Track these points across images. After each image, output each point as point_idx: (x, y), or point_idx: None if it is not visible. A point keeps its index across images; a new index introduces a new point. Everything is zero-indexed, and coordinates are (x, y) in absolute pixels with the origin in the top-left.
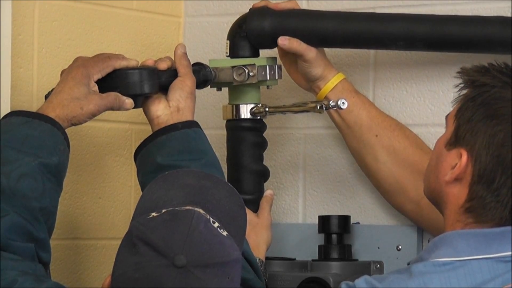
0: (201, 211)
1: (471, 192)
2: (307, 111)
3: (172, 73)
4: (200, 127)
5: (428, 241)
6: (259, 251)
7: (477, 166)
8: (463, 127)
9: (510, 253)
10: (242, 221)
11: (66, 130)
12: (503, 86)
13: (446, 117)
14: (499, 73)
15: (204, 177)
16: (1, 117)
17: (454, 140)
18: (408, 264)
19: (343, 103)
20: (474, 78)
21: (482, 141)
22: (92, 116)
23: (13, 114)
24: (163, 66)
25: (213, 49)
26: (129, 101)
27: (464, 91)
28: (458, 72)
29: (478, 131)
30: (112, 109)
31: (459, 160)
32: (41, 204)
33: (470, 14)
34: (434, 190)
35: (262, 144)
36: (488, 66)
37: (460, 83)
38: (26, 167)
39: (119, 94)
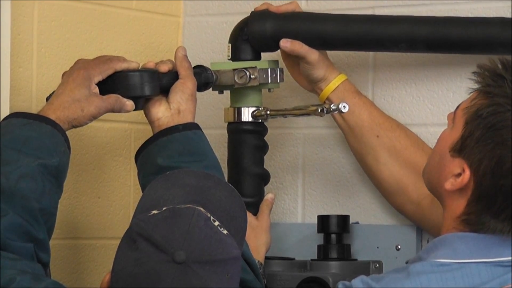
0: (202, 209)
1: (469, 207)
2: (308, 114)
3: (173, 75)
4: (201, 129)
5: (428, 241)
6: (258, 254)
7: (479, 188)
8: (471, 144)
9: (509, 258)
10: (242, 221)
11: (66, 132)
12: None
13: (457, 108)
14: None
15: (205, 177)
16: (1, 118)
17: (459, 149)
18: (407, 262)
19: (344, 106)
20: (491, 90)
21: (487, 166)
22: (93, 118)
23: (13, 115)
24: (164, 68)
25: (212, 49)
26: (129, 103)
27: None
28: (475, 73)
29: (485, 155)
30: (112, 111)
31: (462, 172)
32: (41, 205)
33: (470, 14)
34: (435, 189)
35: (263, 147)
36: (504, 74)
37: (477, 89)
38: (26, 168)
39: (120, 96)
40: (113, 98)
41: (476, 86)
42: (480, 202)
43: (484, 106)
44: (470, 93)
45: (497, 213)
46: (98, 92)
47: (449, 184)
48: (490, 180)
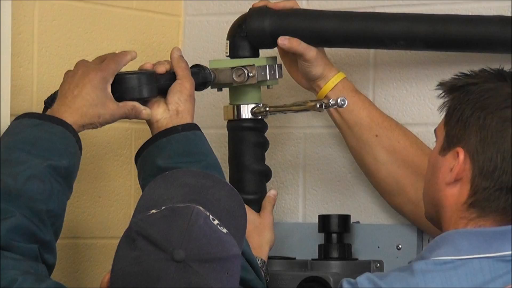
0: (201, 208)
1: (474, 187)
2: (307, 110)
3: (171, 76)
4: (200, 130)
5: (428, 241)
6: (261, 252)
7: (476, 159)
8: (454, 128)
9: (510, 252)
10: (242, 220)
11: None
12: (485, 81)
13: (435, 130)
14: (479, 72)
15: (204, 176)
16: (1, 118)
17: (447, 145)
18: (409, 263)
19: (342, 101)
20: (454, 83)
21: (476, 134)
22: (106, 124)
23: (25, 116)
24: (161, 69)
25: (213, 48)
26: (145, 112)
27: (447, 99)
28: (438, 85)
29: (470, 125)
30: (127, 118)
31: (456, 160)
32: (48, 207)
33: (470, 13)
34: (434, 199)
35: (263, 144)
36: (465, 73)
37: (442, 92)
38: (34, 169)
39: (137, 105)
40: (129, 106)
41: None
42: (482, 173)
43: (454, 95)
44: (439, 96)
45: (500, 177)
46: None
47: (448, 177)
48: (483, 145)
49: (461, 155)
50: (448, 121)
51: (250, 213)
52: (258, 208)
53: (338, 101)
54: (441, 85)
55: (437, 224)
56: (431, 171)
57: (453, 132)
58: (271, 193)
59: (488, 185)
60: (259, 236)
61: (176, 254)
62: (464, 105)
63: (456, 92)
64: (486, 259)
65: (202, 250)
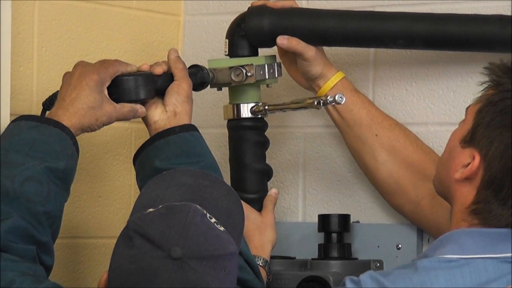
0: (198, 206)
1: (478, 195)
2: (305, 107)
3: (168, 77)
4: (197, 131)
5: (428, 240)
6: (264, 251)
7: (488, 172)
8: (481, 131)
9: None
10: (240, 219)
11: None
12: None
13: (467, 109)
14: None
15: (201, 176)
16: (1, 118)
17: (470, 139)
18: (413, 261)
19: (340, 97)
20: (500, 80)
21: (496, 149)
22: (104, 126)
23: (22, 118)
24: (158, 70)
25: (213, 48)
26: (142, 110)
27: (489, 88)
28: (485, 68)
29: (494, 138)
30: (125, 119)
31: (471, 161)
32: (46, 208)
33: (470, 13)
34: (443, 184)
35: (264, 143)
36: None
37: (486, 81)
38: (31, 170)
39: (134, 106)
40: (127, 108)
41: (487, 79)
42: (489, 188)
43: (493, 95)
44: (481, 84)
45: (505, 198)
46: (108, 95)
47: (459, 173)
48: (499, 163)
49: (476, 161)
50: (478, 117)
51: (251, 212)
52: (259, 207)
53: (336, 97)
54: (489, 70)
55: (444, 198)
56: (448, 155)
57: (478, 132)
58: (272, 191)
59: (492, 200)
60: (261, 235)
61: (173, 252)
62: (496, 114)
63: (497, 90)
64: (490, 259)
65: (199, 248)
